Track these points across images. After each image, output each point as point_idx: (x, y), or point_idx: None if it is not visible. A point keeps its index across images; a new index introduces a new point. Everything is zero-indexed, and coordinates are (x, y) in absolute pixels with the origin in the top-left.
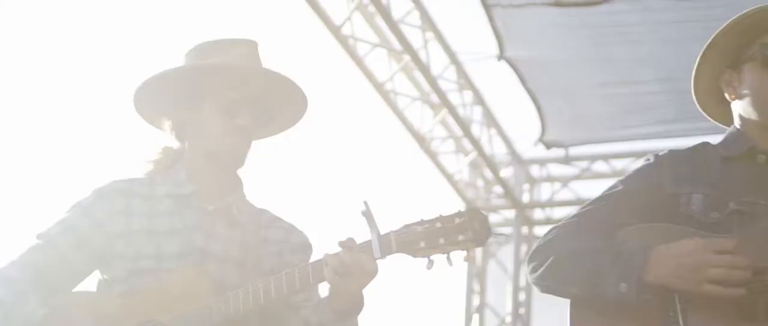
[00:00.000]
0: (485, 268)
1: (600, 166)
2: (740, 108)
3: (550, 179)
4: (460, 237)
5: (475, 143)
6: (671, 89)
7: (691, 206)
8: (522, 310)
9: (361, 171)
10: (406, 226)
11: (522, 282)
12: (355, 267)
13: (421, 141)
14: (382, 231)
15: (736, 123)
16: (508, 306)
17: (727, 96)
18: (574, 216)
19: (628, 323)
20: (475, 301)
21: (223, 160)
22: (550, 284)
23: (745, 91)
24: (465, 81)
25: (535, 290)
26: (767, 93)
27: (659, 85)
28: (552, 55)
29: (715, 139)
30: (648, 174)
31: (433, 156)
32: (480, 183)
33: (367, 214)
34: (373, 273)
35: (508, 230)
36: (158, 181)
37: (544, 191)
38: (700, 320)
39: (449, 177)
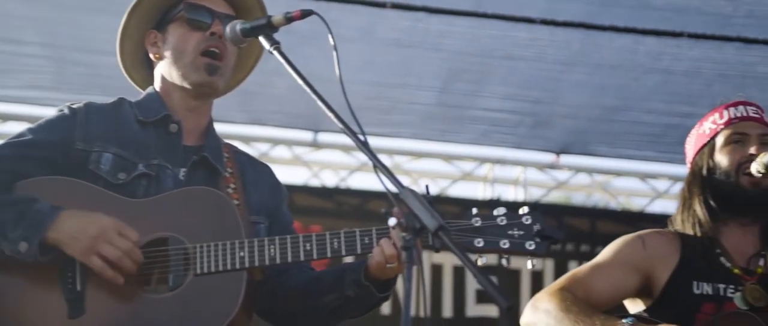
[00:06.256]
0: None
1: None
2: (162, 68)
3: None
4: None
5: None
6: (52, 56)
7: (101, 165)
8: None
9: None
10: None
11: None
12: None
13: None
14: None
15: (157, 85)
16: None
17: (151, 56)
18: None
19: (27, 278)
20: None
21: None
22: None
23: (167, 51)
24: None
25: None
26: (188, 52)
27: (42, 49)
28: None
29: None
30: (60, 126)
31: None
32: None
33: None
34: None
35: None
36: None
37: None
38: (98, 283)
39: None
